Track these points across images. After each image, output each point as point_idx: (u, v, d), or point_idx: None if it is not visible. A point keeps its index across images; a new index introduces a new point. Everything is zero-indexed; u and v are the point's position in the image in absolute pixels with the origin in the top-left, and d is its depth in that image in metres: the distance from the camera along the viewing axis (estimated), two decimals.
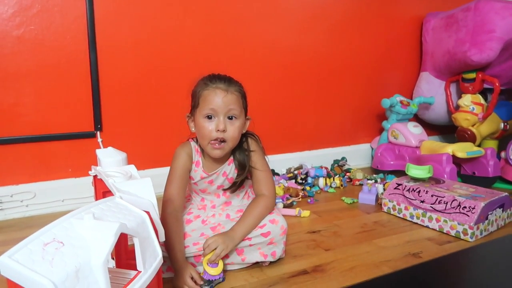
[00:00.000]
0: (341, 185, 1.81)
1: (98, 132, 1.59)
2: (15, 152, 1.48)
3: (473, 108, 1.91)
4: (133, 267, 0.68)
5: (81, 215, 0.62)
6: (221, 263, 1.00)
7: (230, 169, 1.10)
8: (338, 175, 1.90)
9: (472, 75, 1.92)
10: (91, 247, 0.57)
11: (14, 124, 1.47)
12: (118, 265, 0.84)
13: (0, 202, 1.46)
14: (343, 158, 2.10)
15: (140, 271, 0.66)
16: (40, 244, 0.55)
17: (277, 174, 1.91)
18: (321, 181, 1.79)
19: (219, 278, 1.00)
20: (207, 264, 0.98)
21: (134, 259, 0.67)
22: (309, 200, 1.63)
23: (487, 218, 1.28)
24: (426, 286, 0.57)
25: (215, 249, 0.97)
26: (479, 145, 1.91)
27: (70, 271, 0.53)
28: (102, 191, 0.95)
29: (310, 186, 1.78)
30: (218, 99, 1.00)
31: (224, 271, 1.02)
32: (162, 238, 0.79)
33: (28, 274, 0.50)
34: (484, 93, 2.00)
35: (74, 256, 0.55)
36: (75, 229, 0.59)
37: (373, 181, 1.84)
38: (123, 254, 0.84)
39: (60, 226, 0.59)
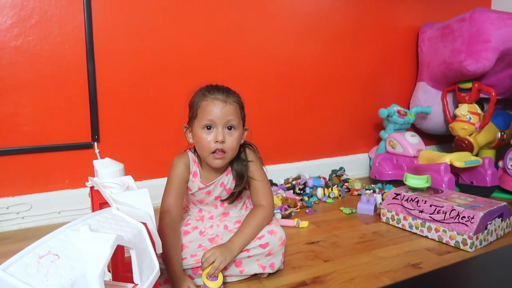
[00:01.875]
0: (340, 195, 1.81)
1: (96, 143, 1.58)
2: (11, 163, 1.47)
3: (470, 118, 1.92)
4: (130, 279, 0.67)
5: (77, 226, 0.61)
6: (220, 276, 0.98)
7: (228, 180, 1.09)
8: (336, 185, 1.89)
9: (468, 85, 1.93)
10: (87, 259, 0.56)
11: (11, 135, 1.46)
12: (115, 277, 0.83)
13: None
14: (341, 168, 2.09)
15: (137, 284, 0.65)
16: (35, 257, 0.54)
17: (275, 185, 1.91)
18: (320, 191, 1.79)
19: None
20: (207, 277, 0.97)
21: (131, 271, 0.66)
22: (307, 210, 1.62)
23: (486, 228, 1.27)
24: None
25: (214, 262, 0.96)
26: (476, 155, 1.91)
27: (66, 284, 0.52)
28: (99, 202, 0.94)
29: (308, 197, 1.77)
30: (217, 110, 1.00)
31: (223, 283, 1.01)
32: (159, 250, 0.78)
33: None
34: (480, 102, 2.01)
35: (70, 269, 0.54)
36: (71, 241, 0.58)
37: (372, 191, 1.83)
38: (120, 266, 0.83)
39: (55, 238, 0.58)
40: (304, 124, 2.04)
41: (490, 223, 1.29)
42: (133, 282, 0.66)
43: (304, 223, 1.46)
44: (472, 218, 1.25)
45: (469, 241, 1.24)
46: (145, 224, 0.73)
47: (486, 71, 1.82)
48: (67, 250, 0.57)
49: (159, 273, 0.72)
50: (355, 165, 2.18)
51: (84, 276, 0.54)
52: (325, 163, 2.10)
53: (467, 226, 1.25)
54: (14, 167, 1.48)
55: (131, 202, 0.78)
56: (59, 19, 1.49)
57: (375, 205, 1.61)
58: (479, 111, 1.94)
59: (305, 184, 1.87)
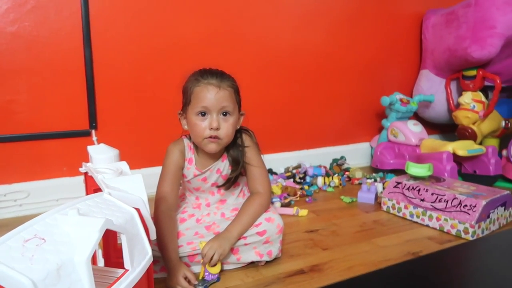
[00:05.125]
0: (340, 184, 1.79)
1: (93, 131, 1.57)
2: (8, 150, 1.46)
3: (474, 106, 1.88)
4: (122, 265, 0.66)
5: (65, 210, 0.60)
6: (219, 264, 0.98)
7: (224, 166, 1.08)
8: (337, 174, 1.87)
9: (473, 72, 1.89)
10: (74, 243, 0.54)
11: (8, 122, 1.45)
12: (107, 263, 0.81)
13: None
14: (342, 157, 2.07)
15: (128, 270, 0.63)
16: (20, 241, 0.52)
17: (275, 173, 1.89)
18: (320, 180, 1.77)
19: (216, 277, 0.98)
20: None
21: (123, 257, 0.65)
22: (307, 199, 1.61)
23: (488, 217, 1.25)
24: (425, 279, 0.55)
25: (213, 255, 0.95)
26: (480, 144, 1.88)
27: (51, 269, 0.50)
28: (93, 188, 0.92)
29: (308, 185, 1.75)
30: (211, 96, 0.97)
31: (220, 271, 1.00)
32: (153, 236, 0.76)
33: (6, 272, 0.47)
34: (485, 90, 1.97)
35: (56, 253, 0.52)
36: (59, 225, 0.57)
37: (373, 180, 1.81)
38: (112, 252, 0.81)
39: (42, 222, 0.57)
40: (305, 113, 2.01)
41: (492, 212, 1.26)
42: (124, 268, 0.64)
43: (303, 212, 1.45)
44: (475, 206, 1.23)
45: (470, 230, 1.22)
46: (138, 209, 0.71)
47: (491, 58, 1.78)
48: (54, 234, 0.55)
49: (152, 259, 0.70)
50: (356, 154, 2.16)
51: (71, 261, 0.53)
52: (326, 152, 2.08)
53: (469, 214, 1.23)
54: (11, 155, 1.47)
55: (124, 187, 0.76)
56: (56, 4, 1.46)
57: (376, 194, 1.59)
58: (483, 99, 1.90)
59: (305, 173, 1.85)
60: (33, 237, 0.54)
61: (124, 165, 0.91)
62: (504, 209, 1.32)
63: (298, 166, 1.93)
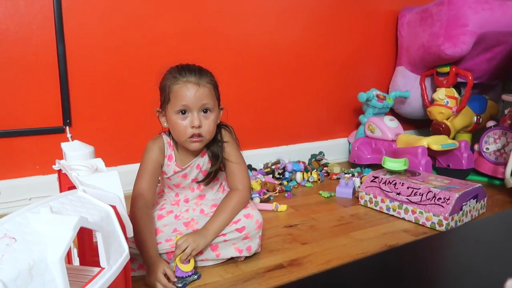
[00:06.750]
0: (319, 180, 1.80)
1: (67, 127, 1.53)
2: None
3: (447, 102, 1.93)
4: (98, 264, 0.64)
5: (37, 209, 0.58)
6: (192, 261, 0.97)
7: (203, 161, 1.07)
8: (315, 170, 1.89)
9: (446, 69, 1.94)
10: (47, 242, 0.53)
11: None
12: (83, 262, 0.80)
13: None
14: (320, 153, 2.09)
15: (104, 268, 0.62)
16: None
17: (255, 169, 1.89)
18: (299, 176, 1.78)
19: (191, 274, 0.97)
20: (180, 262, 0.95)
21: (99, 255, 0.63)
22: (286, 194, 1.62)
23: (461, 209, 1.29)
24: (399, 269, 0.57)
25: (186, 248, 0.94)
26: (453, 138, 1.93)
27: (22, 269, 0.49)
28: (67, 186, 0.90)
29: (287, 181, 1.76)
30: (191, 94, 0.96)
31: (199, 267, 1.00)
32: (130, 234, 0.75)
33: None
34: (458, 87, 2.02)
35: (28, 252, 0.51)
36: (30, 224, 0.55)
37: (350, 175, 1.84)
38: (87, 251, 0.80)
39: (13, 221, 0.55)
40: (284, 109, 2.02)
41: (465, 204, 1.30)
42: (100, 266, 0.63)
43: (282, 207, 1.45)
44: (448, 199, 1.26)
45: (444, 222, 1.25)
46: (114, 207, 0.69)
47: (463, 55, 1.82)
48: (25, 233, 0.53)
49: (129, 257, 0.69)
50: (334, 150, 2.18)
51: (44, 260, 0.51)
52: (304, 147, 2.09)
53: (443, 207, 1.26)
54: None
55: (100, 184, 0.75)
56: None
57: (354, 189, 1.61)
58: (456, 95, 1.95)
59: (284, 169, 1.86)
60: (3, 236, 0.52)
61: (99, 162, 0.89)
62: (476, 202, 1.36)
63: (277, 162, 1.93)
